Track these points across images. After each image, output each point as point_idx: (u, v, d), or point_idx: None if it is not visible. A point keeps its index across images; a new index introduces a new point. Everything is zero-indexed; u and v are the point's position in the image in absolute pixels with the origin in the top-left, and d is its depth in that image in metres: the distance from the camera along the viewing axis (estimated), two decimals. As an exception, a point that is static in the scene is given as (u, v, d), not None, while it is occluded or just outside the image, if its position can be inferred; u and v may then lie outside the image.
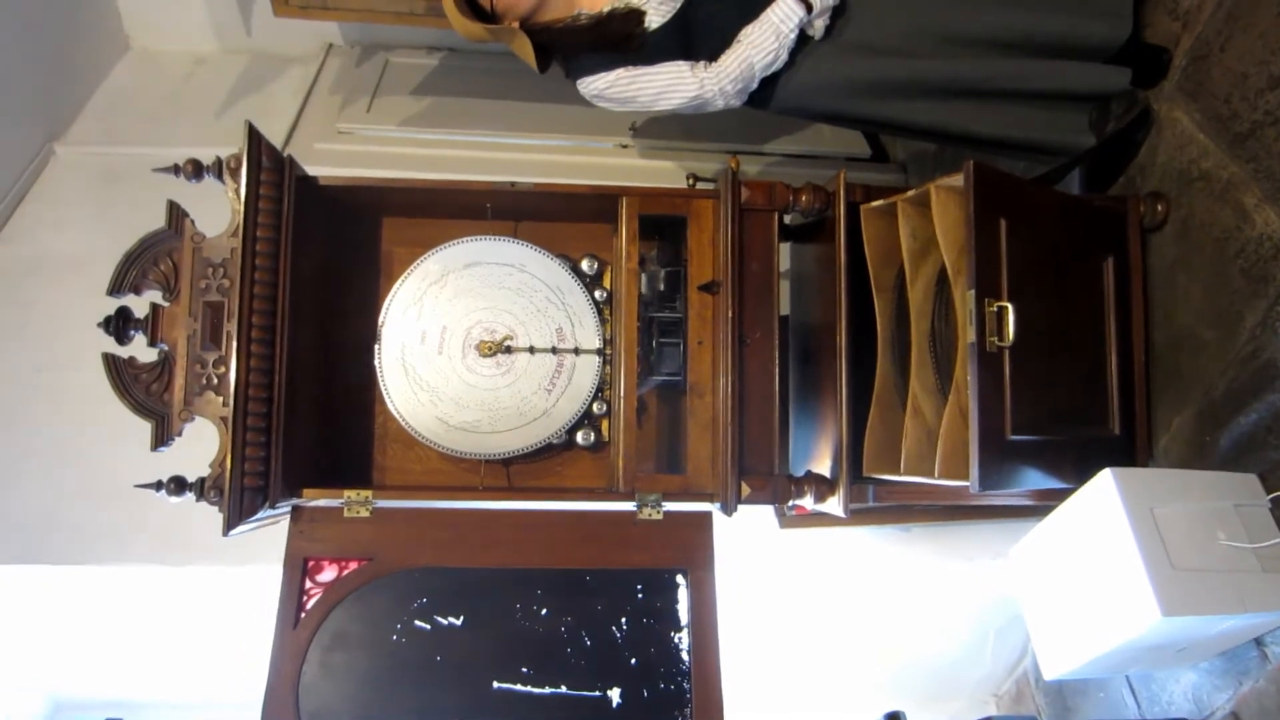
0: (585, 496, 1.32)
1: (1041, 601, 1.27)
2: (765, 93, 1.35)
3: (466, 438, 1.35)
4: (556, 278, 1.39)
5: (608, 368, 1.40)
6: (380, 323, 1.37)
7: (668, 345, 1.39)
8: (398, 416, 1.35)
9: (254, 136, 1.23)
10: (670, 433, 1.45)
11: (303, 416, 1.30)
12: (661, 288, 1.40)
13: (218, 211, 1.25)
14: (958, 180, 1.23)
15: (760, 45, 1.26)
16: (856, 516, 1.56)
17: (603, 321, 1.41)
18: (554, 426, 1.35)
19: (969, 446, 1.15)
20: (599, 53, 1.29)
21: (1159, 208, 1.36)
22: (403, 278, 1.38)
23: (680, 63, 1.29)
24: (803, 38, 1.30)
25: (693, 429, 1.33)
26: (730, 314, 1.29)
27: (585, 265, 1.44)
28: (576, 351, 1.39)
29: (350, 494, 1.28)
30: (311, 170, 1.32)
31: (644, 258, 1.41)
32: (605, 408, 1.40)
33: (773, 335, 1.32)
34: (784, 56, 1.28)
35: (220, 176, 1.24)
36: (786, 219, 1.41)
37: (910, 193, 1.32)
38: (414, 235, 1.44)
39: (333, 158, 1.90)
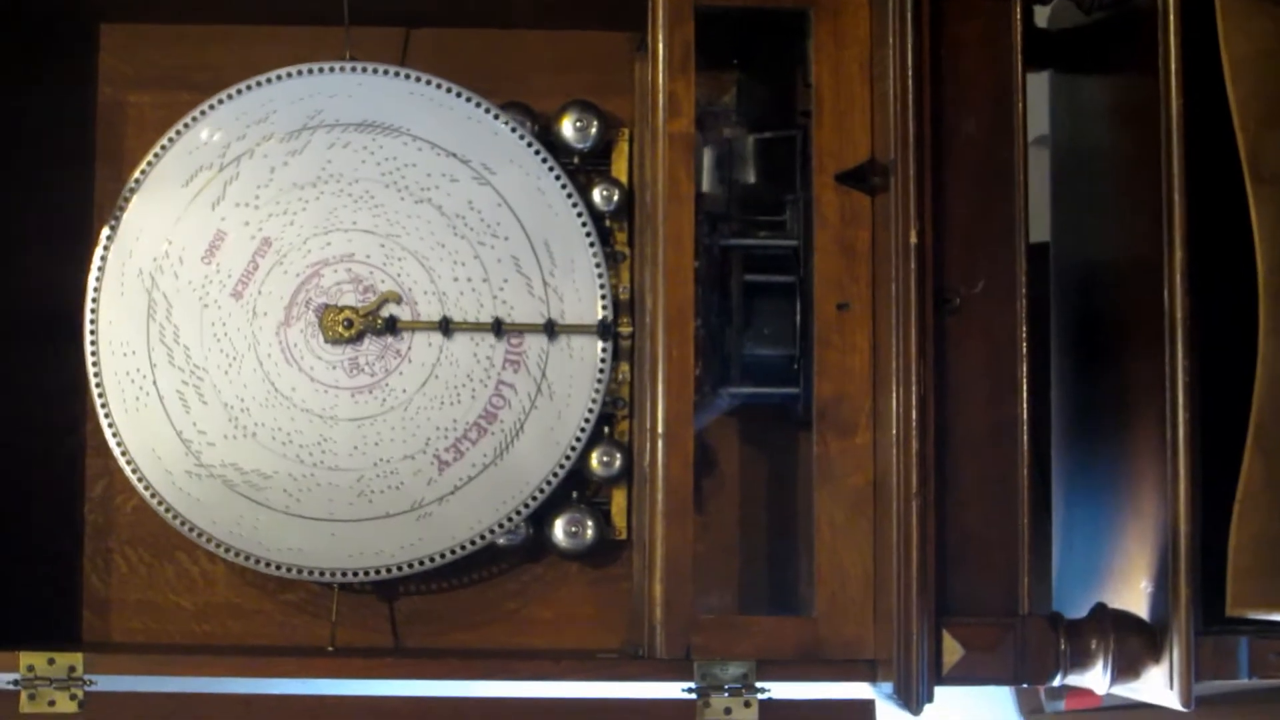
0: (576, 671, 1.35)
1: None
2: None
3: (229, 504, 1.42)
4: (508, 158, 1.45)
5: (623, 367, 1.47)
6: (125, 195, 1.44)
7: (765, 313, 1.44)
8: (102, 419, 1.41)
9: None
10: (772, 521, 1.50)
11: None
12: (750, 179, 1.45)
13: None
14: None
15: None
16: (1209, 710, 1.55)
17: (611, 261, 1.47)
18: (449, 536, 1.43)
19: None
20: None
21: None
22: (166, 140, 1.44)
23: None
24: None
25: (826, 509, 1.35)
26: (913, 238, 1.31)
27: (569, 129, 1.49)
28: (550, 329, 1.44)
29: (33, 661, 1.30)
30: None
31: (708, 110, 1.45)
32: (616, 462, 1.46)
33: (1016, 290, 1.34)
34: None
35: None
36: (1042, 16, 1.44)
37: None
38: (175, 62, 1.50)
39: None
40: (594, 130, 1.47)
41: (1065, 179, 1.54)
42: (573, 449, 1.43)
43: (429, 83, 1.44)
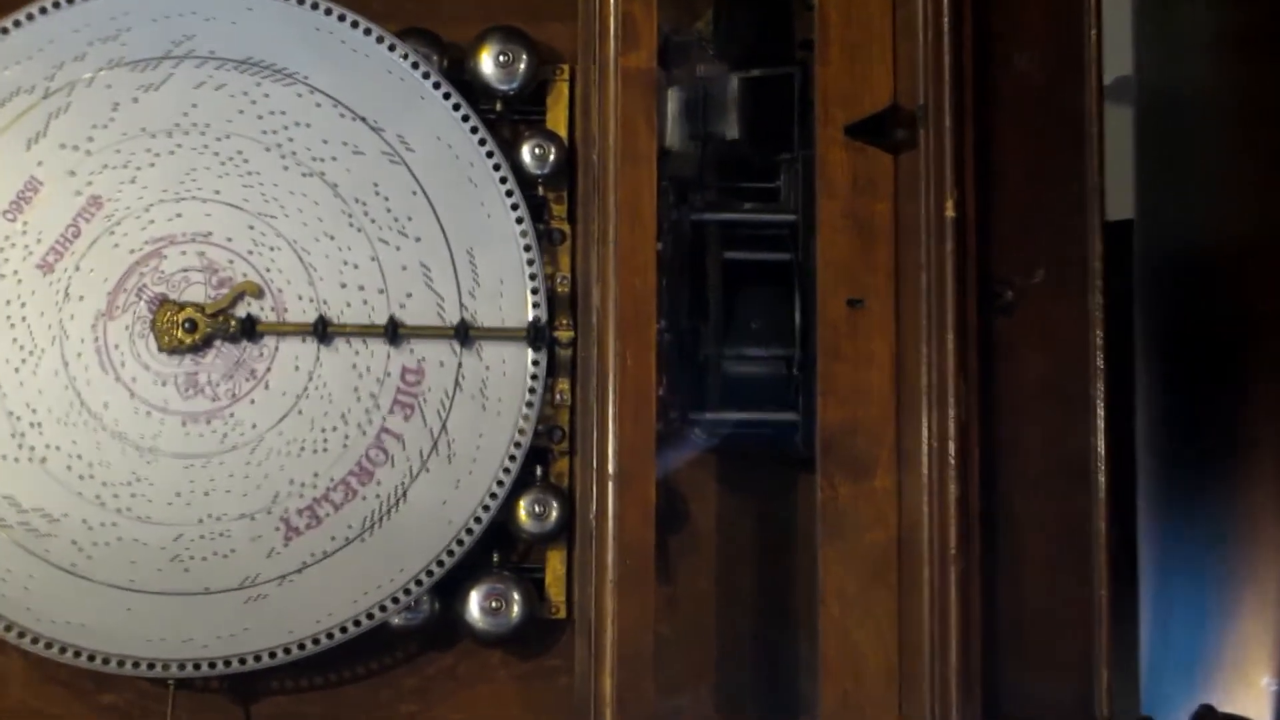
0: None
1: None
2: None
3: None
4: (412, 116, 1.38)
5: (561, 384, 1.40)
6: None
7: (752, 310, 1.38)
8: None
9: None
10: (763, 592, 1.44)
11: None
12: (732, 132, 1.39)
13: None
14: None
15: None
16: None
17: (546, 241, 1.41)
18: (284, 629, 1.33)
19: None
20: None
21: None
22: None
23: None
24: None
25: (834, 576, 1.27)
26: (950, 212, 1.25)
27: (489, 66, 1.41)
28: (463, 334, 1.36)
29: None
30: None
31: (675, 39, 1.40)
32: (552, 513, 1.39)
33: (1088, 281, 1.29)
34: None
35: None
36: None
37: None
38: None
39: None
40: (522, 67, 1.40)
41: (1155, 134, 1.49)
42: (484, 511, 1.34)
43: (342, 19, 1.37)
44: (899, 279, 1.28)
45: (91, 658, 1.32)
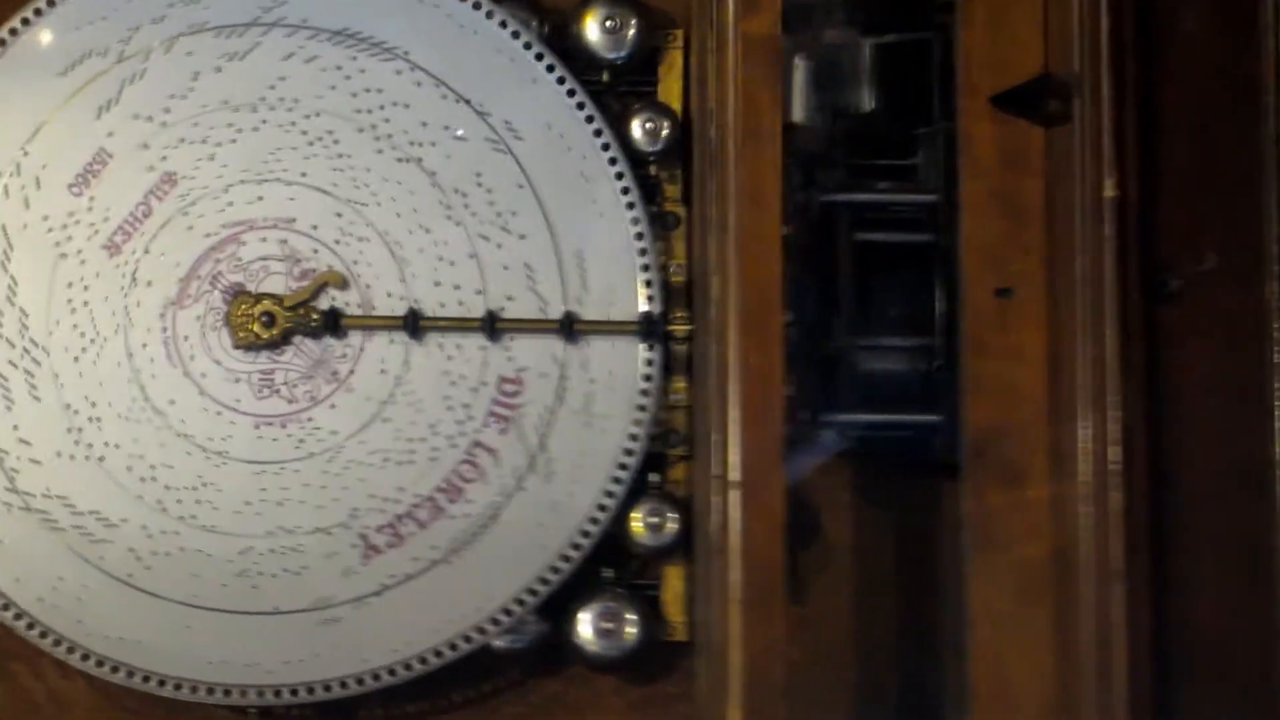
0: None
1: None
2: None
3: (47, 555, 1.30)
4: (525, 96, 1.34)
5: (677, 384, 1.36)
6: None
7: (890, 298, 1.37)
8: None
9: None
10: (904, 612, 1.42)
11: None
12: (864, 104, 1.38)
13: None
14: None
15: None
16: None
17: (659, 226, 1.37)
18: (359, 656, 1.32)
19: None
20: None
21: None
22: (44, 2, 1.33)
23: None
24: None
25: (983, 595, 1.22)
26: (1110, 191, 1.20)
27: (595, 33, 1.37)
28: (568, 326, 1.33)
29: None
30: None
31: (801, 1, 1.36)
32: (668, 525, 1.35)
33: (1265, 267, 1.22)
34: None
35: None
36: None
37: None
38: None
39: None
40: (631, 33, 1.35)
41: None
42: (584, 538, 1.30)
43: None
44: (1052, 266, 1.25)
45: (147, 678, 1.30)
